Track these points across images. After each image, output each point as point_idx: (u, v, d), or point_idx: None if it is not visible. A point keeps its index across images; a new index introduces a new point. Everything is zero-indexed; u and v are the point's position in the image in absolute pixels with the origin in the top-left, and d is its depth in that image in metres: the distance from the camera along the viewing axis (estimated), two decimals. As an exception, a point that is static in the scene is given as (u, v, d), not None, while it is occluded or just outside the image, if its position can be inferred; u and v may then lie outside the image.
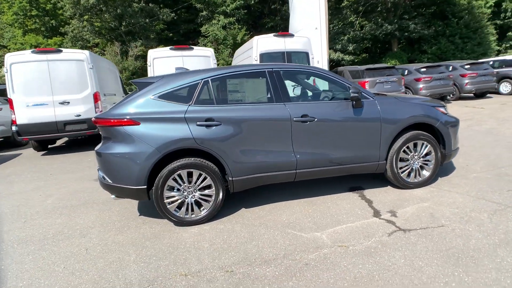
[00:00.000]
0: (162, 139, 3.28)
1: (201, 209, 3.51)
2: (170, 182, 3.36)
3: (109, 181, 3.44)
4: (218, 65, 9.42)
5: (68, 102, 7.93)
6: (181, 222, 3.44)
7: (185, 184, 3.42)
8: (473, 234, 2.95)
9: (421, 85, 12.32)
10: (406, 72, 13.26)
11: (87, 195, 4.80)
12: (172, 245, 3.09)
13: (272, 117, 3.53)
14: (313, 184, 4.47)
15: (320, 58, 9.79)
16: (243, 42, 25.33)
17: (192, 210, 3.47)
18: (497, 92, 14.64)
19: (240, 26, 27.03)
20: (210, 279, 2.53)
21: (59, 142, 10.14)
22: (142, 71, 26.44)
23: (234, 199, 4.08)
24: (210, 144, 3.37)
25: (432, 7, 26.30)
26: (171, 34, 29.11)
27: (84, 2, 23.81)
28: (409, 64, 16.53)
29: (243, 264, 2.70)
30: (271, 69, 3.72)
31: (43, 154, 8.46)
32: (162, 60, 8.71)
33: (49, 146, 9.40)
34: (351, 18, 26.69)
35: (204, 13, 27.36)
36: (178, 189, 3.42)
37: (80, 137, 9.39)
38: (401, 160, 3.98)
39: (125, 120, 3.31)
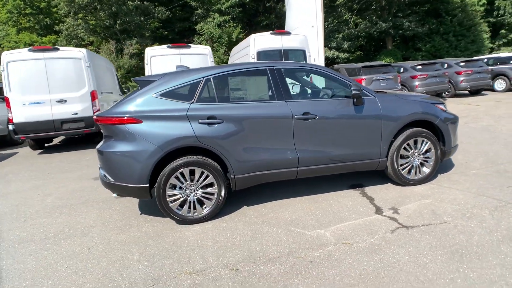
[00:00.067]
0: (165, 137, 3.26)
1: (203, 207, 3.50)
2: (172, 180, 3.35)
3: (111, 179, 3.42)
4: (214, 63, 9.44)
5: (65, 101, 7.86)
6: (183, 221, 3.43)
7: (187, 182, 3.41)
8: (476, 231, 2.97)
9: (416, 83, 12.40)
10: (402, 70, 13.33)
11: (86, 193, 4.76)
12: (175, 244, 3.08)
13: (274, 115, 3.53)
14: (314, 182, 4.48)
15: (316, 56, 9.79)
16: (238, 40, 25.29)
17: (195, 208, 3.46)
18: (491, 89, 14.78)
19: (235, 24, 26.97)
20: (216, 277, 2.53)
21: (55, 141, 10.05)
22: (137, 69, 26.28)
23: (236, 197, 4.08)
24: (212, 142, 3.36)
25: (426, 5, 26.46)
26: (166, 32, 28.97)
27: (78, 0, 23.59)
28: (404, 62, 16.63)
29: (247, 262, 2.70)
30: (273, 67, 3.71)
31: (40, 153, 8.38)
32: (160, 58, 8.67)
33: (46, 144, 9.33)
34: (345, 16, 26.76)
35: (199, 11, 27.26)
36: (180, 187, 3.40)
37: (77, 135, 9.31)
38: (402, 157, 4.00)
39: (127, 118, 3.29)
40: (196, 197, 3.46)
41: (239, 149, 3.45)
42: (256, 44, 8.37)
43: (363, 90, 3.82)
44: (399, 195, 3.87)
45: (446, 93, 13.43)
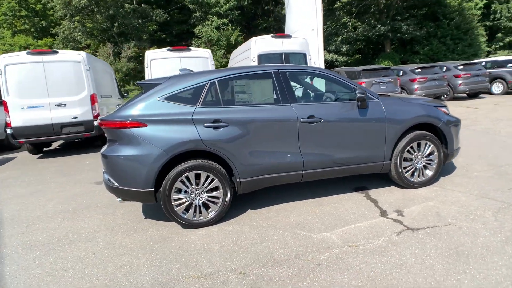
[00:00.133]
0: (170, 141, 3.26)
1: (209, 211, 3.49)
2: (178, 184, 3.34)
3: (116, 184, 3.40)
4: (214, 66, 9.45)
5: (65, 104, 7.81)
6: (189, 225, 3.43)
7: (193, 186, 3.40)
8: (480, 232, 2.99)
9: (416, 86, 12.49)
10: (401, 73, 13.43)
11: (88, 198, 4.74)
12: (181, 248, 3.07)
13: (279, 118, 3.54)
14: (318, 185, 4.49)
15: (316, 59, 9.84)
16: (237, 43, 25.36)
17: (200, 212, 3.46)
18: (489, 92, 14.90)
19: (233, 27, 27.05)
20: (224, 281, 2.52)
21: (54, 145, 10.01)
22: (135, 72, 26.26)
23: (240, 200, 4.08)
24: (217, 146, 3.36)
25: (424, 9, 26.71)
26: (164, 35, 29.00)
27: (75, 2, 23.54)
28: (404, 65, 16.75)
29: (255, 266, 2.70)
30: (278, 70, 3.73)
31: (38, 157, 8.33)
32: (160, 61, 8.66)
33: (45, 149, 9.27)
34: (344, 19, 26.92)
35: (197, 14, 27.31)
36: (186, 191, 3.40)
37: (77, 139, 9.27)
38: (405, 160, 4.02)
39: (132, 122, 3.28)
40: (202, 201, 3.45)
41: (244, 153, 3.45)
42: (257, 47, 8.40)
43: (367, 93, 3.84)
44: (403, 198, 3.88)
45: (445, 96, 13.53)
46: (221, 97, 3.54)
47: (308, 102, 3.94)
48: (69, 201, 4.68)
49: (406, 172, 4.04)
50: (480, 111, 10.50)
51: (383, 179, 4.48)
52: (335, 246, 2.92)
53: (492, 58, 17.32)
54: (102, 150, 3.55)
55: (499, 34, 28.85)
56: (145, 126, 3.28)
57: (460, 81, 13.29)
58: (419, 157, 4.07)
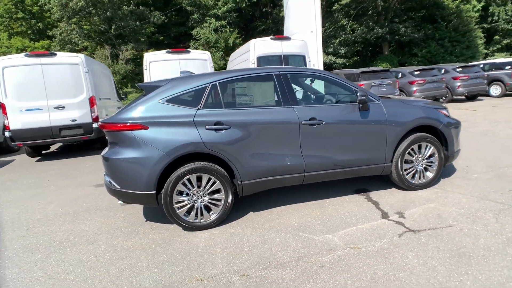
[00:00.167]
0: (172, 144, 3.26)
1: (210, 213, 3.49)
2: (179, 186, 3.34)
3: (117, 186, 3.40)
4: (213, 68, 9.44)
5: (63, 107, 7.79)
6: (191, 227, 3.42)
7: (194, 189, 3.40)
8: (481, 234, 3.00)
9: (415, 88, 12.55)
10: (400, 75, 13.49)
11: (88, 201, 4.72)
12: (183, 250, 3.06)
13: (281, 121, 3.54)
14: (319, 187, 4.49)
15: (315, 61, 9.86)
16: (235, 45, 25.40)
17: (202, 214, 3.45)
18: (487, 94, 14.99)
19: (231, 29, 27.10)
20: (227, 283, 2.52)
21: (53, 148, 9.97)
22: (132, 74, 26.24)
23: (241, 202, 4.08)
24: (219, 148, 3.37)
25: (422, 11, 26.87)
26: (161, 37, 29.00)
27: (72, 4, 23.47)
28: (403, 67, 16.83)
29: (258, 268, 2.70)
30: (279, 72, 3.74)
31: (37, 160, 8.31)
32: (159, 64, 8.66)
33: (43, 151, 9.24)
34: (342, 22, 27.02)
35: (195, 16, 27.35)
36: (188, 194, 3.39)
37: (76, 142, 9.24)
38: (406, 162, 4.04)
39: (134, 124, 3.28)
40: (203, 204, 3.45)
41: (246, 155, 3.45)
42: (256, 50, 8.40)
43: (369, 96, 3.85)
44: (404, 200, 3.89)
45: (444, 98, 13.60)
46: (222, 99, 3.54)
47: (310, 104, 3.95)
48: (69, 204, 4.67)
49: (407, 174, 4.05)
50: (479, 113, 10.56)
51: (384, 181, 4.50)
52: (337, 248, 2.93)
53: (490, 61, 17.43)
54: (103, 152, 3.54)
55: (497, 37, 29.07)
56: (146, 128, 3.28)
57: (458, 83, 13.37)
58: (420, 159, 4.08)
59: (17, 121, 7.54)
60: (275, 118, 3.54)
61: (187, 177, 3.34)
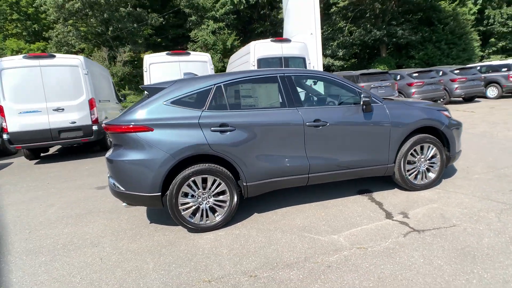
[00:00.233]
0: (177, 145, 3.26)
1: (216, 215, 3.49)
2: (185, 188, 3.34)
3: (122, 188, 3.39)
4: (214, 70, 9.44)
5: (63, 109, 7.75)
6: (196, 229, 3.42)
7: (200, 190, 3.40)
8: (485, 233, 3.03)
9: (413, 90, 12.64)
10: (398, 77, 13.58)
11: (90, 203, 4.70)
12: (190, 252, 3.06)
13: (285, 122, 3.56)
14: (322, 188, 4.51)
15: (315, 63, 9.90)
16: (233, 47, 25.45)
17: (207, 216, 3.45)
18: (484, 96, 15.12)
19: (229, 31, 27.13)
20: (235, 284, 2.52)
21: (51, 150, 9.92)
22: (130, 76, 26.17)
23: (245, 204, 4.08)
24: (224, 150, 3.37)
25: (419, 14, 27.09)
26: (159, 40, 28.95)
27: (69, 6, 23.32)
28: (401, 69, 16.95)
29: (265, 269, 2.70)
30: (283, 74, 3.76)
31: (36, 163, 8.25)
32: (159, 66, 8.65)
33: (42, 154, 9.19)
34: (340, 24, 27.17)
35: (193, 18, 27.33)
36: (193, 195, 3.39)
37: (75, 144, 9.21)
38: (408, 162, 4.06)
39: (138, 126, 3.28)
40: (209, 205, 3.45)
41: (251, 157, 3.46)
42: (256, 51, 8.42)
43: (372, 97, 3.88)
44: (407, 200, 3.92)
45: (441, 100, 13.70)
46: (227, 101, 3.55)
47: (314, 106, 3.97)
48: (70, 206, 4.65)
49: (409, 174, 4.08)
50: (477, 114, 10.64)
51: (386, 182, 4.52)
52: (343, 248, 2.94)
53: (487, 63, 17.59)
54: (107, 154, 3.54)
55: (492, 39, 29.34)
56: (151, 130, 3.28)
57: (456, 85, 13.50)
58: (422, 160, 4.11)
59: (15, 123, 7.49)
60: (280, 120, 3.55)
61: (192, 178, 3.34)
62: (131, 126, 3.28)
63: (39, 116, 7.61)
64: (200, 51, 23.84)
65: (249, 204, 4.10)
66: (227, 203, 3.48)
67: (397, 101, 4.20)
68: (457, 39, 25.88)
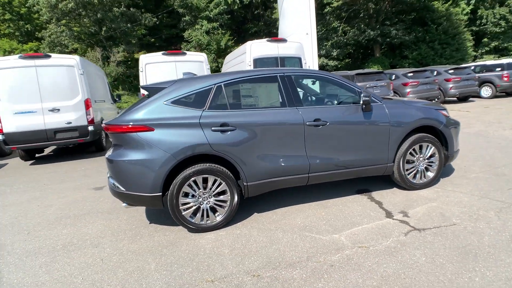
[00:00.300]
0: (178, 145, 3.24)
1: (216, 214, 3.48)
2: (185, 188, 3.33)
3: (122, 188, 3.37)
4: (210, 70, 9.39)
5: (58, 109, 7.68)
6: (197, 229, 3.41)
7: (200, 190, 3.39)
8: (485, 231, 3.06)
9: (408, 89, 12.75)
10: (393, 77, 13.68)
11: (89, 204, 4.67)
12: (191, 252, 3.05)
13: (286, 122, 3.56)
14: (321, 188, 4.52)
15: (311, 63, 9.93)
16: (227, 47, 25.43)
17: (208, 216, 3.44)
18: (478, 96, 15.29)
19: (223, 31, 27.10)
20: (238, 284, 2.52)
21: (46, 151, 9.82)
22: (124, 77, 26.03)
23: (245, 204, 4.08)
24: (225, 149, 3.36)
25: (413, 14, 27.32)
26: (153, 40, 28.85)
27: (62, 6, 23.13)
28: (396, 69, 17.09)
29: (268, 268, 2.70)
30: (283, 74, 3.76)
31: (31, 164, 8.17)
32: (155, 66, 8.62)
33: (37, 155, 9.09)
34: (334, 24, 27.28)
35: (187, 18, 27.27)
36: (193, 195, 3.38)
37: (70, 145, 9.13)
38: (408, 162, 4.09)
39: (139, 126, 3.26)
40: (209, 205, 3.44)
41: (251, 156, 3.45)
42: (252, 51, 8.41)
43: (372, 97, 3.90)
44: (406, 199, 3.94)
45: (436, 99, 13.83)
46: (227, 101, 3.55)
47: (314, 106, 3.97)
48: (69, 207, 4.61)
49: (408, 174, 4.11)
50: (472, 114, 10.75)
51: (384, 181, 4.55)
52: (345, 247, 2.95)
53: (481, 63, 17.78)
54: (107, 154, 3.51)
55: (485, 39, 29.71)
56: (152, 130, 3.26)
57: (450, 85, 13.64)
58: (421, 159, 4.14)
59: (10, 124, 7.42)
60: (280, 119, 3.55)
61: (193, 178, 3.33)
62: (132, 126, 3.26)
63: (34, 116, 7.53)
64: (194, 51, 23.79)
65: (248, 204, 4.10)
66: (228, 203, 3.47)
67: (396, 100, 4.22)
68: (450, 39, 26.16)
